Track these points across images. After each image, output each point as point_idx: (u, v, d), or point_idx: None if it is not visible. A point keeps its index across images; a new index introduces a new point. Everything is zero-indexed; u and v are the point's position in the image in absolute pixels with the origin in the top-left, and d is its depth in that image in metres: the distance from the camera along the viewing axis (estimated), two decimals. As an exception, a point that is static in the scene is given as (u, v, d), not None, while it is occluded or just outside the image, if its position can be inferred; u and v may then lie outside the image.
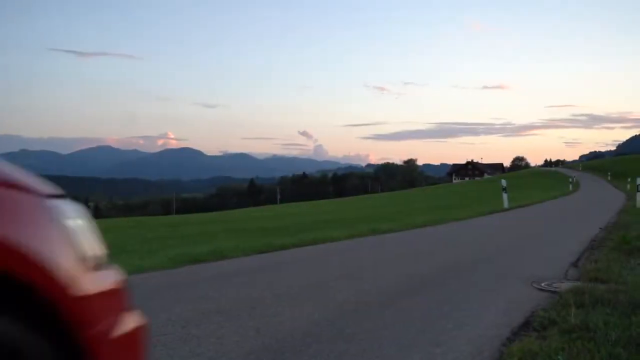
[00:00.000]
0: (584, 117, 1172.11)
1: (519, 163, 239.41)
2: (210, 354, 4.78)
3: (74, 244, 2.11)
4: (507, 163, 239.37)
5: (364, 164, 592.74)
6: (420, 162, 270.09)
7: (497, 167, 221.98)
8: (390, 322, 5.69)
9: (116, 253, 12.93)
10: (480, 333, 5.37)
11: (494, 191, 48.85)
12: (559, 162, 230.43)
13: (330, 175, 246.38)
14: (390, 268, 9.73)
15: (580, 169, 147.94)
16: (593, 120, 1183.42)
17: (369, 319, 5.85)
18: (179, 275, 8.99)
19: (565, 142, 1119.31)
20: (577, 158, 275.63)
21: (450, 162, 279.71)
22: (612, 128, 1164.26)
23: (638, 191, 30.08)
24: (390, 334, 5.27)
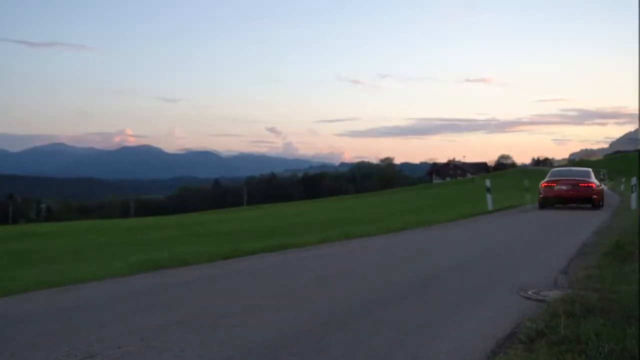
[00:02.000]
0: (574, 113, 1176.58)
1: (505, 162, 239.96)
2: (171, 368, 4.76)
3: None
4: (491, 162, 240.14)
5: (337, 163, 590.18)
6: (398, 161, 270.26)
7: (481, 167, 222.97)
8: (366, 334, 5.68)
9: (70, 259, 12.88)
10: (462, 345, 5.36)
11: (477, 192, 49.14)
12: (547, 161, 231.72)
13: (300, 174, 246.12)
14: (366, 275, 9.73)
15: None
16: (584, 116, 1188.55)
17: (343, 330, 5.84)
18: (138, 283, 8.95)
19: (554, 140, 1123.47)
20: (566, 156, 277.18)
21: (431, 160, 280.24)
22: (605, 124, 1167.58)
23: (632, 192, 30.24)
24: (366, 346, 5.26)
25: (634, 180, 30.63)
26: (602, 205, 32.03)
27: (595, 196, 31.02)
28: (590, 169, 34.54)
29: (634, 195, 29.92)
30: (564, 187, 31.57)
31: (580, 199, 31.48)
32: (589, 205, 31.42)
